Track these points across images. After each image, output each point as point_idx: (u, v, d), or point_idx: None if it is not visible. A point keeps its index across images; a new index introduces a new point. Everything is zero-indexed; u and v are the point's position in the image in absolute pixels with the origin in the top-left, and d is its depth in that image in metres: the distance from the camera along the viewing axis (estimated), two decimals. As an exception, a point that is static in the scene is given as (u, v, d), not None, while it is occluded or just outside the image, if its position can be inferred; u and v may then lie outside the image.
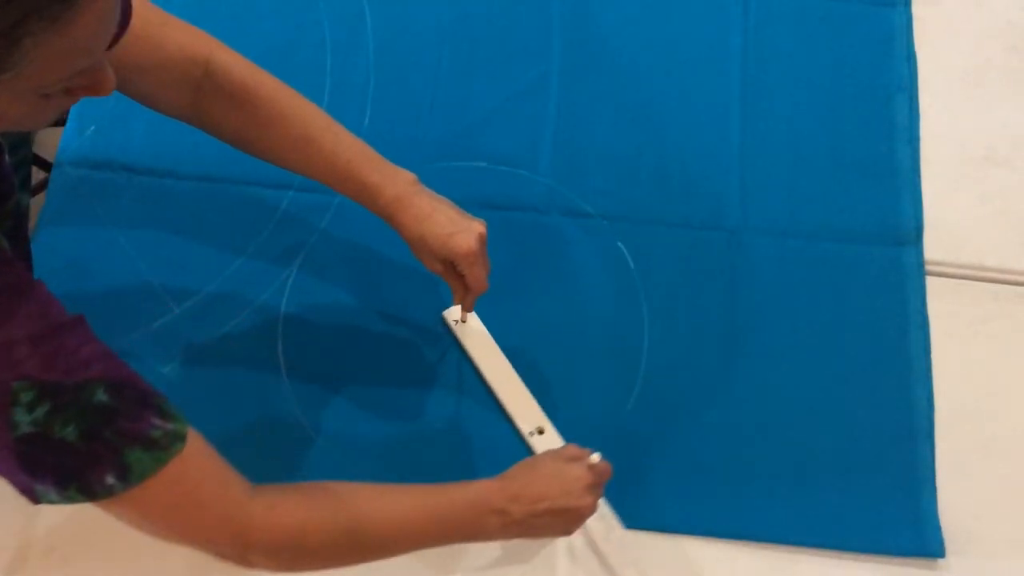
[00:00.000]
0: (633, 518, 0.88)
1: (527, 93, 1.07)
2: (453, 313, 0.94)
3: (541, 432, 0.89)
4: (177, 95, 0.78)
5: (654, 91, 1.07)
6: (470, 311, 0.91)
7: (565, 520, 0.77)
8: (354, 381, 0.93)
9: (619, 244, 0.99)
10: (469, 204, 0.84)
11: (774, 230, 1.00)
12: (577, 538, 0.85)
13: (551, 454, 0.80)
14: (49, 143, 1.88)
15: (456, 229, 0.80)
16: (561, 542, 0.86)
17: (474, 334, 0.94)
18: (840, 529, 0.88)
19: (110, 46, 0.55)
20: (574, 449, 0.80)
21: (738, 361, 0.95)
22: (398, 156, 0.82)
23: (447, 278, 0.84)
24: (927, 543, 0.87)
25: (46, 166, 1.08)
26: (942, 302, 0.98)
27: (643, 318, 0.96)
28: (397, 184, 0.80)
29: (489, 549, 0.85)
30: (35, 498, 0.60)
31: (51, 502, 0.60)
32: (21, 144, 0.81)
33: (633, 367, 0.94)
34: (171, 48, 0.75)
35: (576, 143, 1.04)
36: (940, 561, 0.87)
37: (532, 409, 0.91)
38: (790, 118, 1.06)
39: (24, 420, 0.57)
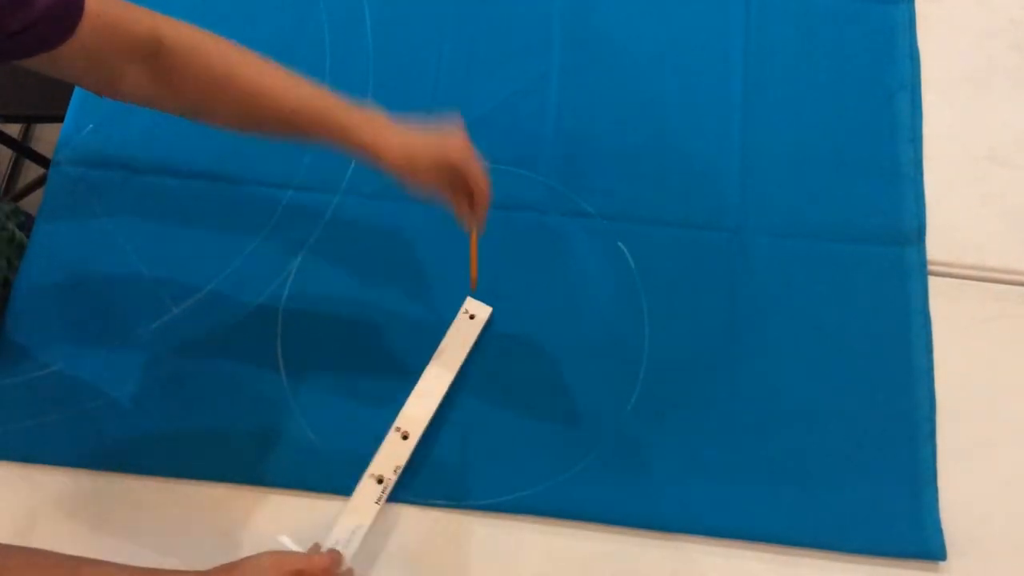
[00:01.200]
0: (633, 517, 0.88)
1: (527, 92, 1.06)
2: (472, 306, 0.94)
3: (380, 481, 0.85)
4: (136, 77, 0.75)
5: (654, 90, 1.07)
6: (482, 226, 0.85)
7: None
8: (352, 380, 0.92)
9: (619, 244, 0.99)
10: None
11: (775, 230, 1.00)
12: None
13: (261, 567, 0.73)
14: (47, 139, 1.88)
15: (441, 135, 0.79)
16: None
17: (458, 335, 0.93)
18: (840, 530, 0.88)
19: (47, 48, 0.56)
20: (299, 561, 0.74)
21: (739, 361, 0.95)
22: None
23: (447, 192, 0.81)
24: (928, 545, 0.87)
25: (44, 163, 1.07)
26: (944, 302, 0.97)
27: (644, 318, 0.95)
28: (372, 119, 0.79)
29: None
30: None
31: None
32: None
33: (634, 367, 0.94)
34: (120, 34, 0.72)
35: (576, 142, 1.04)
36: (941, 564, 0.87)
37: (399, 449, 0.87)
38: (791, 117, 1.06)
39: None
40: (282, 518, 0.87)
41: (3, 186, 1.78)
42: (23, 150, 1.50)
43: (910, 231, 1.00)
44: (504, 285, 0.95)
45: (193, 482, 0.89)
